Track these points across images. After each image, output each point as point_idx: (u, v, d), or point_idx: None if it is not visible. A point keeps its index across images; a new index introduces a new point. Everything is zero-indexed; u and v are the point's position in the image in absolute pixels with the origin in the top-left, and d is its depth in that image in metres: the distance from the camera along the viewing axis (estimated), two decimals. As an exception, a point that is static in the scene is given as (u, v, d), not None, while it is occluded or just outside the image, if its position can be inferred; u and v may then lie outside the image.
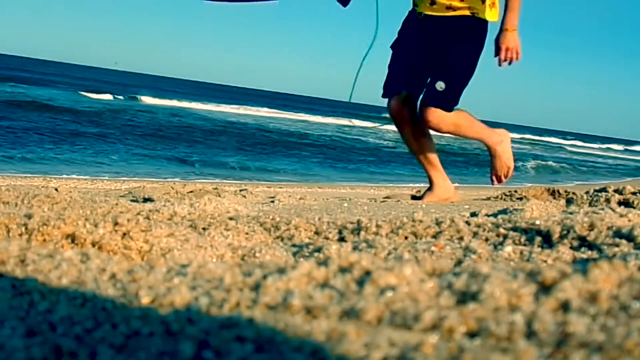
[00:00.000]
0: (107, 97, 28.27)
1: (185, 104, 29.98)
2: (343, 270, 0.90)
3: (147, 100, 29.01)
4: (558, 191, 3.63)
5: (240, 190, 4.00)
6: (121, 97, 28.86)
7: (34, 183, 5.76)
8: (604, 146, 48.82)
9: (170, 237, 1.45)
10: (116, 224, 1.42)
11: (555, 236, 1.50)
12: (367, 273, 0.87)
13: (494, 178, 3.75)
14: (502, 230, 1.56)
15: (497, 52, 3.38)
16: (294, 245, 1.52)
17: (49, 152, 11.09)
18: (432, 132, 3.60)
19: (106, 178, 8.59)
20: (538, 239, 1.51)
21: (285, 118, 30.31)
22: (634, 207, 2.84)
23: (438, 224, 1.63)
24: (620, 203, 2.96)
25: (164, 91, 40.11)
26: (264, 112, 32.89)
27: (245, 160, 13.17)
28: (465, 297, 0.79)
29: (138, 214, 1.75)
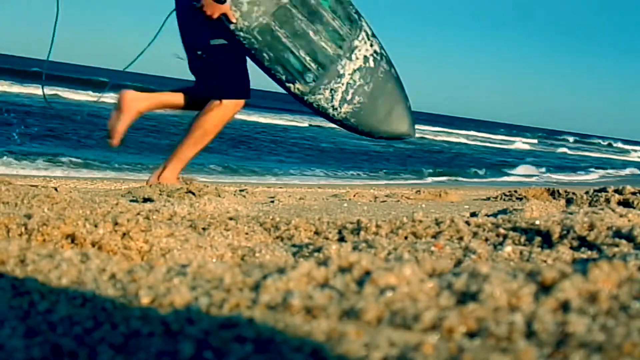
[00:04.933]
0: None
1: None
2: (343, 270, 0.90)
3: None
4: (558, 191, 3.63)
5: (240, 191, 4.00)
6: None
7: (34, 183, 5.76)
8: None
9: (170, 237, 1.45)
10: (116, 224, 1.42)
11: (555, 236, 1.50)
12: (367, 273, 0.87)
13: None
14: (502, 230, 1.56)
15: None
16: (293, 245, 1.52)
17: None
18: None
19: (106, 178, 8.59)
20: (538, 239, 1.51)
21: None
22: (634, 207, 2.84)
23: (438, 224, 1.63)
24: (620, 203, 2.96)
25: None
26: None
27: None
28: (465, 297, 0.79)
29: (138, 214, 1.75)
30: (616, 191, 3.09)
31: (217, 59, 3.38)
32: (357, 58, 3.41)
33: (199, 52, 3.35)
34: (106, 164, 10.64)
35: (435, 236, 1.59)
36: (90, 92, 27.39)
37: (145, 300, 0.83)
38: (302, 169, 13.25)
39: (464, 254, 1.38)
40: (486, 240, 1.55)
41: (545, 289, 0.79)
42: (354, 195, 3.97)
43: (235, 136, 18.86)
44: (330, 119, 3.45)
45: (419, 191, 3.99)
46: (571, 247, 1.46)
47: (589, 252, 1.42)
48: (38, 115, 16.82)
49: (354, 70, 3.40)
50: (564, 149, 38.34)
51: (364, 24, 3.48)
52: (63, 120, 16.26)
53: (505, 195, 3.82)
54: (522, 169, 18.56)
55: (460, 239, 1.56)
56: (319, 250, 1.38)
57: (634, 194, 3.03)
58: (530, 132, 58.76)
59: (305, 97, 3.35)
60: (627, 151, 45.55)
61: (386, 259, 1.12)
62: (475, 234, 1.57)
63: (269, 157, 14.77)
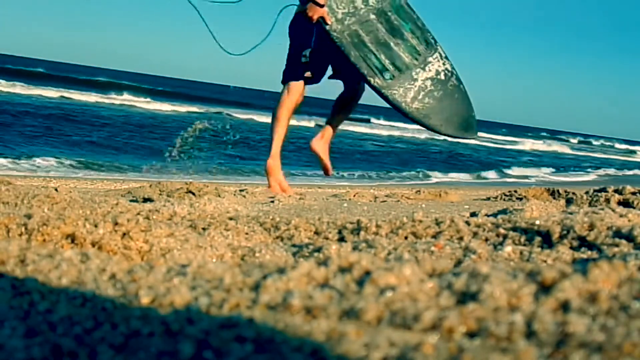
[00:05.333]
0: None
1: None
2: (343, 270, 0.90)
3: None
4: (558, 191, 3.63)
5: (240, 191, 4.00)
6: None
7: (34, 183, 5.76)
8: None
9: (170, 237, 1.45)
10: (116, 224, 1.42)
11: (555, 236, 1.50)
12: (367, 273, 0.87)
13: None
14: (502, 230, 1.56)
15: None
16: (294, 245, 1.52)
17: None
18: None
19: (106, 178, 8.58)
20: (538, 239, 1.51)
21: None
22: (634, 207, 2.84)
23: (438, 224, 1.63)
24: (620, 203, 2.96)
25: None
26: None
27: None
28: (465, 297, 0.79)
29: (138, 214, 1.75)
30: (616, 191, 3.09)
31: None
32: (429, 70, 4.28)
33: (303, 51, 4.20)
34: (108, 164, 10.64)
35: (435, 236, 1.59)
36: (92, 93, 27.35)
37: (145, 300, 0.83)
38: (303, 169, 13.25)
39: (464, 254, 1.38)
40: (486, 240, 1.55)
41: (545, 289, 0.79)
42: (354, 195, 3.97)
43: (235, 136, 18.82)
44: (401, 111, 4.23)
45: (419, 191, 3.99)
46: (571, 247, 1.46)
47: (589, 252, 1.42)
48: (38, 116, 16.84)
49: (427, 78, 4.25)
50: (567, 149, 38.27)
51: (439, 47, 4.40)
52: (57, 120, 16.24)
53: (505, 195, 3.82)
54: (523, 169, 18.56)
55: (460, 239, 1.56)
56: (319, 250, 1.38)
57: (634, 194, 3.03)
58: (533, 132, 58.68)
59: (383, 91, 4.15)
60: (634, 152, 45.37)
61: (386, 259, 1.12)
62: (475, 234, 1.57)
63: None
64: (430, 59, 4.28)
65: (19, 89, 24.88)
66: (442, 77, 4.29)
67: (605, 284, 0.80)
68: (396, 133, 28.88)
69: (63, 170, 9.60)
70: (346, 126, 28.95)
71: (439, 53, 4.35)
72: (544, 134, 59.61)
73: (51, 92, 25.16)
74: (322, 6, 4.05)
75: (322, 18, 4.06)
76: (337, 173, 13.20)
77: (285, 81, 4.30)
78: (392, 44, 4.19)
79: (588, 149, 44.03)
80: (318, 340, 0.68)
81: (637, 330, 0.67)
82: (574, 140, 54.09)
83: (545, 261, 1.37)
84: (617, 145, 54.10)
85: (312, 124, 28.69)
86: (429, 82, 4.23)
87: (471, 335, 0.70)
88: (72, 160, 10.32)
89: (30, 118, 16.12)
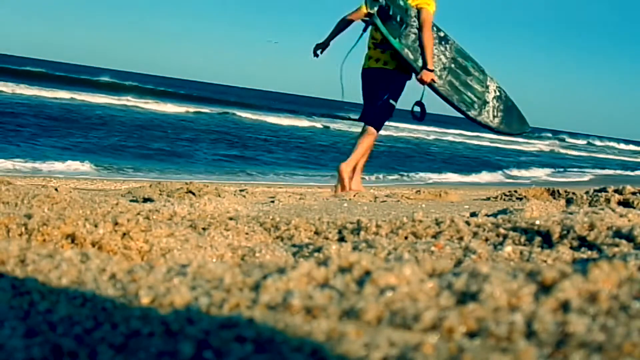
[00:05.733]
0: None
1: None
2: (343, 270, 0.90)
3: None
4: (558, 191, 3.63)
5: (240, 191, 4.01)
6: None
7: (34, 183, 5.76)
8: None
9: (170, 237, 1.45)
10: (116, 224, 1.42)
11: (555, 236, 1.50)
12: (367, 273, 0.87)
13: None
14: (502, 230, 1.56)
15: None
16: (294, 245, 1.52)
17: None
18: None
19: (106, 178, 8.59)
20: (538, 239, 1.51)
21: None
22: (634, 207, 2.84)
23: (438, 224, 1.63)
24: (620, 203, 2.96)
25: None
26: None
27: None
28: (465, 297, 0.79)
29: (138, 214, 1.75)
30: (616, 191, 3.09)
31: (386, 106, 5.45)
32: (491, 92, 5.64)
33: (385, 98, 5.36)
34: (109, 164, 10.65)
35: (435, 236, 1.59)
36: (96, 94, 27.30)
37: (145, 300, 0.83)
38: (303, 169, 13.26)
39: (464, 254, 1.38)
40: (486, 240, 1.55)
41: (545, 289, 0.79)
42: (354, 195, 3.97)
43: (235, 136, 18.85)
44: (491, 129, 5.60)
45: (419, 191, 3.99)
46: (571, 247, 1.46)
47: (589, 252, 1.42)
48: (40, 116, 16.85)
49: (492, 98, 5.64)
50: (568, 150, 38.18)
51: (487, 72, 5.75)
52: (58, 120, 16.27)
53: (505, 195, 3.82)
54: (523, 169, 18.54)
55: (460, 239, 1.56)
56: (319, 250, 1.38)
57: (634, 194, 3.03)
58: (535, 132, 58.52)
59: (478, 119, 5.47)
60: (638, 152, 45.14)
61: (386, 259, 1.12)
62: (475, 234, 1.57)
63: (269, 157, 14.77)
64: (488, 83, 5.63)
65: (22, 89, 24.89)
66: (498, 93, 5.64)
67: (605, 284, 0.80)
68: (396, 133, 28.84)
69: (64, 170, 9.60)
70: (347, 127, 29.05)
71: (489, 76, 5.67)
72: (546, 134, 59.46)
73: (55, 93, 25.16)
74: (432, 71, 5.27)
75: (432, 79, 5.28)
76: (334, 174, 13.18)
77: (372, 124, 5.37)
78: (468, 80, 5.52)
79: (590, 149, 43.96)
80: (318, 340, 0.68)
81: (637, 330, 0.67)
82: (576, 141, 53.97)
83: (545, 261, 1.37)
84: (621, 146, 53.94)
85: (319, 125, 28.78)
86: (495, 101, 5.61)
87: (471, 335, 0.70)
88: (73, 161, 10.32)
89: (32, 118, 16.13)
